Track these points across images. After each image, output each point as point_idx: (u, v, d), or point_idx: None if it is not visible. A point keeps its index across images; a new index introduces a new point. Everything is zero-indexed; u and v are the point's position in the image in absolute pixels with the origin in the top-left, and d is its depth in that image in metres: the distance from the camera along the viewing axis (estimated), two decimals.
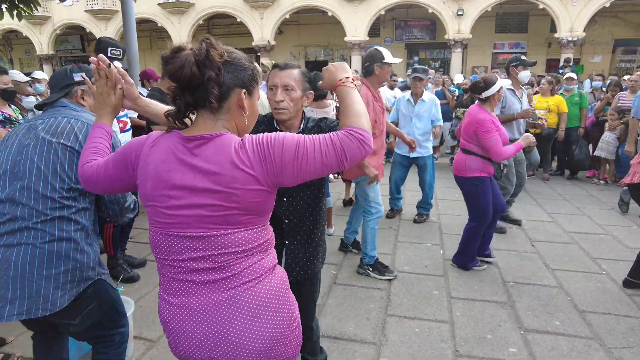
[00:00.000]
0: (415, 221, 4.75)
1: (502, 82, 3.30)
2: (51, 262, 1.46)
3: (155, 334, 2.60)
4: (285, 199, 1.78)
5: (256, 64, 1.24)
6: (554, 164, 7.34)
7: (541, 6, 16.38)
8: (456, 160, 3.45)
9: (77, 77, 1.73)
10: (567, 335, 2.60)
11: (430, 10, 17.74)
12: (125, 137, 3.27)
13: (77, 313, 1.56)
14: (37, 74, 5.45)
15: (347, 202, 5.40)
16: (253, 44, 19.41)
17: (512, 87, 4.31)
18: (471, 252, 3.49)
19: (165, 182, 1.10)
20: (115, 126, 3.14)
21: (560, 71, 9.24)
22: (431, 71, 10.94)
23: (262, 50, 19.15)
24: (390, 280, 3.30)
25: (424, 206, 4.84)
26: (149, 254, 3.85)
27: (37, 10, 5.76)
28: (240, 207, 1.09)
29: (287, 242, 1.83)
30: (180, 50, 1.07)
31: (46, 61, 22.36)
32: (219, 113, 1.12)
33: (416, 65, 4.84)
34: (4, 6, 5.12)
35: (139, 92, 4.50)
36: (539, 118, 5.09)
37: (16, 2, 5.21)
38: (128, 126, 3.33)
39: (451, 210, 5.17)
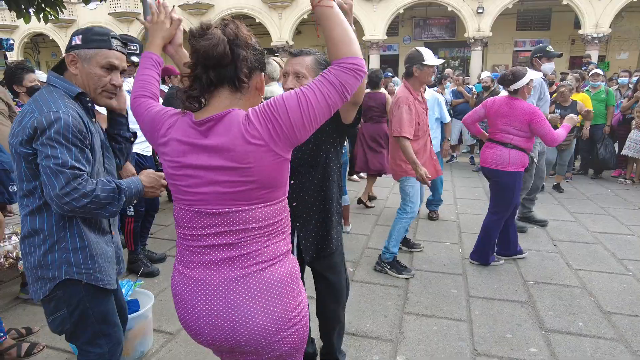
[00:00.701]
0: (431, 218, 4.73)
1: (533, 75, 3.25)
2: (25, 256, 1.49)
3: (174, 327, 2.64)
4: (292, 182, 1.76)
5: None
6: (577, 163, 7.16)
7: (565, 2, 15.99)
8: (494, 154, 3.32)
9: (75, 40, 1.49)
10: (591, 336, 2.53)
11: (449, 9, 17.53)
12: None
13: (50, 313, 1.52)
14: None
15: (360, 201, 5.31)
16: (272, 44, 19.55)
17: (546, 79, 4.15)
18: (492, 247, 3.46)
19: (182, 163, 1.14)
20: (136, 123, 3.19)
21: (584, 68, 9.00)
22: (448, 70, 10.80)
23: (281, 50, 19.26)
24: (407, 278, 3.28)
25: (436, 203, 4.80)
26: (170, 249, 3.92)
27: (62, 13, 5.92)
28: (256, 180, 1.10)
29: (297, 224, 1.82)
30: (210, 27, 1.09)
31: None
32: (241, 93, 1.14)
33: None
34: (31, 10, 5.29)
35: (160, 89, 4.60)
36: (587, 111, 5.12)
37: (43, 5, 5.38)
38: None
39: (470, 209, 5.10)
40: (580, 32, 16.20)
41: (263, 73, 1.18)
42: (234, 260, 1.15)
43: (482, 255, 3.48)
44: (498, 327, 2.63)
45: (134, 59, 3.06)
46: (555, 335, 2.54)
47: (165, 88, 4.87)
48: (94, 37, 1.47)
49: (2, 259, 2.56)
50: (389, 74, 8.00)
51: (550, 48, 4.18)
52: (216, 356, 1.39)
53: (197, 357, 2.35)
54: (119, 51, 1.52)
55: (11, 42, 6.97)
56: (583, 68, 9.20)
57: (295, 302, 1.20)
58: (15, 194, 2.32)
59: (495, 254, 3.57)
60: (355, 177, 6.56)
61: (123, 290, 2.19)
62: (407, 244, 3.86)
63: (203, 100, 1.15)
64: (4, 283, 3.25)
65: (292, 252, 1.81)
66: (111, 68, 1.50)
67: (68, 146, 1.36)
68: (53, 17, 5.68)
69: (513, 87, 3.22)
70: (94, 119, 1.55)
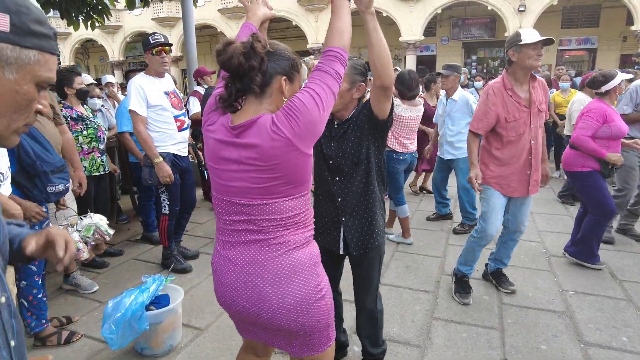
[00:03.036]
0: (454, 231, 4.34)
1: (623, 76, 3.26)
2: None
3: (203, 323, 2.71)
4: (337, 178, 1.87)
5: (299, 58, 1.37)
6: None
7: None
8: (565, 154, 3.54)
9: None
10: (637, 353, 2.37)
11: (489, 7, 17.04)
12: (183, 135, 3.43)
13: None
14: (109, 78, 5.92)
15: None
16: (308, 46, 19.71)
17: None
18: (589, 247, 3.39)
19: (218, 157, 1.30)
20: (173, 124, 3.31)
21: (637, 67, 8.45)
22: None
23: (317, 52, 19.38)
24: (459, 302, 2.91)
25: (464, 215, 4.39)
26: (203, 246, 4.03)
27: (109, 19, 6.24)
28: (281, 176, 1.23)
29: (343, 218, 1.90)
30: (230, 43, 1.23)
31: (117, 67, 24.17)
32: (263, 97, 1.27)
33: (448, 63, 4.54)
34: (80, 18, 5.61)
35: (196, 90, 4.75)
36: None
37: (91, 13, 5.69)
38: (185, 125, 3.49)
39: None
40: (633, 28, 15.29)
41: (284, 77, 1.27)
42: (257, 244, 1.30)
43: (575, 252, 3.48)
44: (532, 338, 2.51)
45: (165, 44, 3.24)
46: (596, 350, 2.40)
47: (201, 89, 5.02)
48: (34, 28, 0.73)
49: None
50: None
51: None
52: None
53: (225, 352, 2.40)
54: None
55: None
56: (636, 67, 8.64)
57: (315, 282, 1.33)
58: (54, 194, 2.45)
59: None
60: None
61: (154, 286, 2.27)
62: (498, 279, 3.14)
63: (237, 105, 1.30)
64: (50, 274, 3.44)
65: (339, 247, 1.96)
66: (46, 85, 0.80)
67: None
68: (100, 24, 5.99)
69: (604, 88, 3.21)
70: None
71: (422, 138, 5.06)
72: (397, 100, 3.88)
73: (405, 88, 3.83)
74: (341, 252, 1.97)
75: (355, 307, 2.15)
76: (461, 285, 2.97)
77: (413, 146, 4.03)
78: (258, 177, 1.23)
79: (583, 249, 3.42)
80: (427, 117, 4.97)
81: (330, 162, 1.87)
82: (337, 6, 1.34)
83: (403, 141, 3.93)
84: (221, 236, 1.37)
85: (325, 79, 1.24)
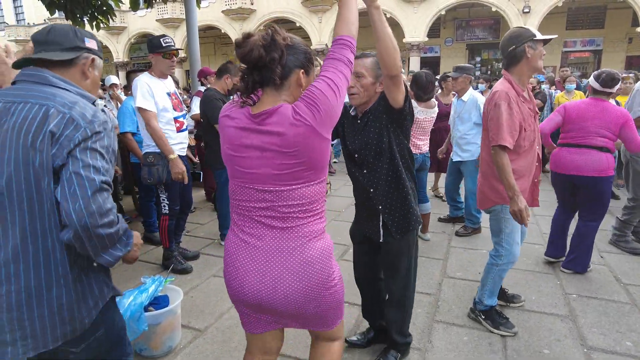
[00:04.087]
0: (456, 234, 4.29)
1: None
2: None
3: (202, 324, 2.69)
4: (365, 171, 1.99)
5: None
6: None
7: None
8: (592, 161, 3.12)
9: (89, 43, 1.35)
10: None
11: (493, 9, 17.00)
12: (182, 136, 3.43)
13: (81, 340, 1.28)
14: (113, 79, 5.93)
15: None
16: (311, 47, 19.69)
17: None
18: (590, 253, 3.38)
19: (240, 145, 1.34)
20: (172, 125, 3.30)
21: None
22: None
23: (320, 53, 19.40)
24: (505, 336, 2.55)
25: (468, 217, 4.30)
26: (204, 247, 4.02)
27: (113, 21, 6.26)
28: (304, 161, 1.29)
29: (380, 207, 2.01)
30: (250, 36, 1.27)
31: (121, 68, 24.28)
32: (282, 89, 1.32)
33: (457, 65, 4.50)
34: (85, 18, 5.64)
35: (200, 90, 4.71)
36: None
37: (95, 14, 5.72)
38: (184, 126, 3.49)
39: None
40: (638, 29, 15.20)
41: (302, 70, 1.32)
42: (278, 231, 1.34)
43: (579, 263, 3.37)
44: (534, 342, 2.49)
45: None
46: (599, 354, 2.37)
47: (203, 89, 5.01)
48: (100, 47, 1.42)
49: None
50: None
51: None
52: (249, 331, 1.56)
53: (224, 354, 2.39)
54: None
55: None
56: None
57: (328, 273, 1.40)
58: None
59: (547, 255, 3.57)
60: None
61: (153, 287, 2.26)
62: (504, 297, 2.93)
63: (254, 97, 1.35)
64: None
65: (379, 235, 2.06)
66: None
67: None
68: (104, 25, 6.02)
69: (617, 87, 3.23)
70: None
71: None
72: (413, 103, 3.83)
73: (422, 91, 3.80)
74: (381, 240, 2.06)
75: (386, 292, 2.22)
76: (498, 316, 2.64)
77: (426, 147, 4.03)
78: (284, 163, 1.28)
79: (587, 258, 3.36)
80: (439, 116, 4.86)
81: (356, 156, 1.98)
82: (349, 1, 1.42)
83: (416, 142, 3.92)
84: (240, 221, 1.40)
85: (338, 66, 1.32)
